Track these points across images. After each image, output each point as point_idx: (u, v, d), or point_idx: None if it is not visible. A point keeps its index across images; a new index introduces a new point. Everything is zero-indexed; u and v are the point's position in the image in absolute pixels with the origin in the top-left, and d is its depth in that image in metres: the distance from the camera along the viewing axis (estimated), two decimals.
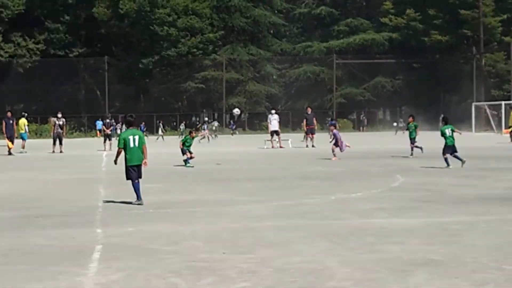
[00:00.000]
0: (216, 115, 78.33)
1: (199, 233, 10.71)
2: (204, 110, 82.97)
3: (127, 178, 14.25)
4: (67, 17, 73.98)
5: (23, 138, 37.58)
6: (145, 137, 15.18)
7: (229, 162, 27.39)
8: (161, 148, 39.22)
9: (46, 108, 70.76)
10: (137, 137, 14.15)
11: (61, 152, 35.71)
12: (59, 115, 37.53)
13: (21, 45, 72.22)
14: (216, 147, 41.78)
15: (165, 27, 72.47)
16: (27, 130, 39.55)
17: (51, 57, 72.72)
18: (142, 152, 14.21)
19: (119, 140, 14.38)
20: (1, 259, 8.83)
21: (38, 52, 72.69)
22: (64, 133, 37.89)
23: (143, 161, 14.26)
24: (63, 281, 7.68)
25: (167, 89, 76.61)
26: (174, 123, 74.19)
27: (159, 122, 64.53)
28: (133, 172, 14.12)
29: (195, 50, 74.66)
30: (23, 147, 36.64)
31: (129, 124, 14.71)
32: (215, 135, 58.66)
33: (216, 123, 64.29)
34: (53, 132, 37.16)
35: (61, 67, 71.14)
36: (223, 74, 76.67)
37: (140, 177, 14.22)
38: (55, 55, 73.68)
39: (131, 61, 74.02)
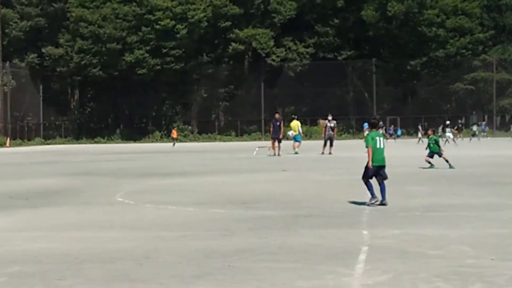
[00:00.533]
0: (486, 117, 75.81)
1: (466, 238, 10.42)
2: (474, 112, 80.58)
3: (364, 176, 14.47)
4: (336, 21, 75.46)
5: (296, 140, 38.62)
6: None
7: (497, 166, 26.38)
8: (421, 150, 38.63)
9: (315, 110, 72.66)
10: (382, 139, 14.41)
11: (330, 153, 36.41)
12: (330, 117, 38.16)
13: (292, 49, 74.73)
14: (480, 150, 40.44)
15: (434, 28, 71.51)
16: (301, 132, 40.58)
17: (320, 60, 74.50)
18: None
19: (367, 140, 14.49)
20: (270, 257, 9.17)
21: (307, 56, 74.74)
22: (334, 135, 38.57)
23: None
24: (329, 280, 7.81)
25: (435, 91, 75.50)
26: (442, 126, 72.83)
27: (419, 125, 63.84)
28: (372, 172, 14.31)
29: (464, 50, 72.91)
30: (296, 148, 37.83)
31: (373, 126, 14.96)
32: (477, 138, 56.78)
33: (475, 127, 62.33)
34: (325, 134, 37.96)
35: (330, 70, 72.59)
36: (493, 75, 74.00)
37: (385, 178, 14.38)
38: (324, 58, 75.42)
39: (398, 62, 73.80)
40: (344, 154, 36.80)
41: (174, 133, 63.39)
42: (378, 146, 14.28)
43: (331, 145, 37.10)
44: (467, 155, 33.15)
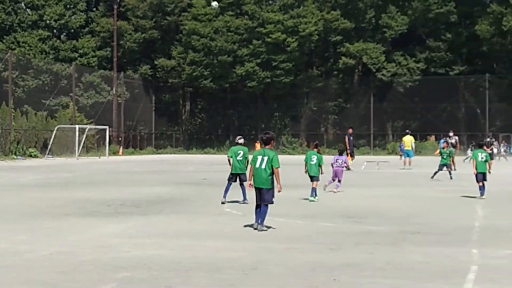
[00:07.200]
0: None
1: None
2: None
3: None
4: (448, 35, 74.17)
5: (408, 155, 38.69)
6: None
7: None
8: None
9: (425, 125, 71.65)
10: (266, 158, 13.10)
11: (455, 169, 35.82)
12: (451, 134, 38.35)
13: (402, 64, 73.91)
14: None
15: None
16: (414, 147, 40.51)
17: (431, 75, 73.40)
18: (271, 175, 13.09)
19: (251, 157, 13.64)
20: (377, 273, 9.09)
21: (418, 71, 73.79)
22: (457, 150, 38.48)
23: (276, 185, 13.18)
24: None
25: None
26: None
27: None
28: (256, 195, 13.22)
29: None
30: (409, 164, 37.80)
31: (263, 143, 13.57)
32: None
33: None
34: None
35: (441, 85, 71.38)
36: None
37: (263, 201, 13.09)
38: (435, 73, 74.23)
39: None
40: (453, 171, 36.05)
41: (257, 146, 63.24)
42: (257, 166, 13.11)
43: (451, 161, 36.53)
44: None
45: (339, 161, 22.64)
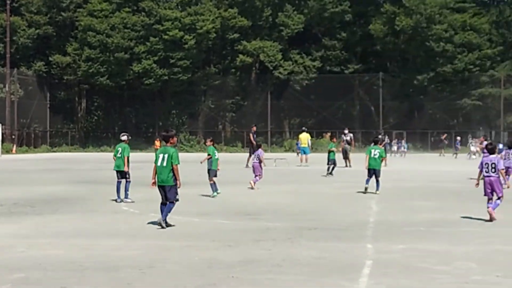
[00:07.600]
0: (493, 133, 75.61)
1: (472, 254, 10.40)
2: (481, 128, 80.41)
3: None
4: (343, 34, 75.53)
5: (305, 152, 39.07)
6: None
7: None
8: (432, 164, 38.52)
9: (321, 123, 72.74)
10: (166, 156, 13.15)
11: (350, 166, 36.48)
12: (346, 131, 38.93)
13: (299, 62, 74.74)
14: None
15: (442, 43, 71.37)
16: (310, 144, 41.01)
17: (327, 73, 74.58)
18: (172, 172, 13.14)
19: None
20: (274, 268, 9.17)
21: (314, 69, 74.79)
22: (352, 148, 39.19)
23: (177, 182, 13.20)
24: None
25: (442, 106, 75.29)
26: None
27: (471, 138, 62.04)
28: (160, 193, 13.30)
29: (472, 66, 72.68)
30: (306, 161, 38.19)
31: (163, 140, 13.66)
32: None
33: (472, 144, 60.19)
34: (341, 147, 38.22)
35: (337, 83, 72.56)
36: (501, 91, 73.87)
37: (167, 200, 13.17)
38: (331, 71, 75.44)
39: (405, 77, 73.72)
40: (349, 168, 36.75)
41: (157, 144, 61.11)
42: (159, 164, 13.17)
43: (347, 157, 37.19)
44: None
45: (255, 157, 23.34)
